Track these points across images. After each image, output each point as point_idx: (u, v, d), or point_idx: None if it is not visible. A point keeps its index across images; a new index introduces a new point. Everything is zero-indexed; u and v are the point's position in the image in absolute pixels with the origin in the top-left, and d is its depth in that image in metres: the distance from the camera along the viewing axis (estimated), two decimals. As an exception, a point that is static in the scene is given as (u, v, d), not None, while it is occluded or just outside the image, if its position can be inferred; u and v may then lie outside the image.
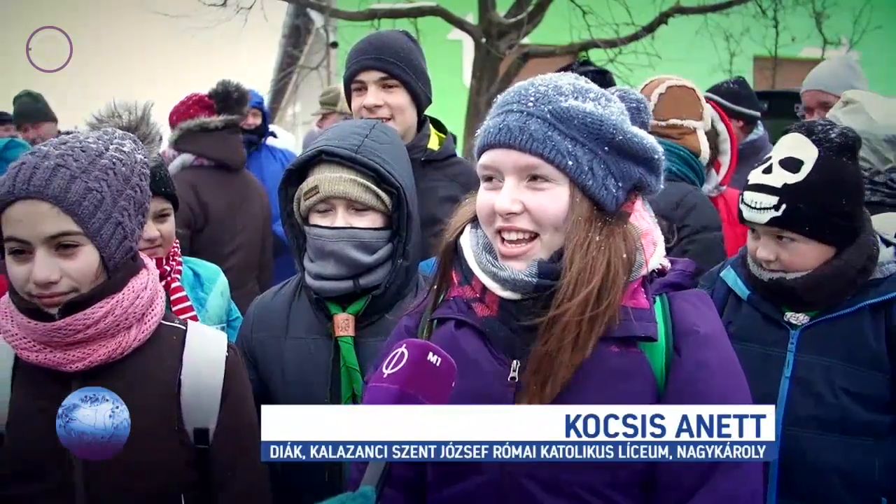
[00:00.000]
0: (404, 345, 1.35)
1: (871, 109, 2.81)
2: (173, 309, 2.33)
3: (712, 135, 3.42)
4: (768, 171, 2.09)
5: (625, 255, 1.43)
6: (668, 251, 1.82)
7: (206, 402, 1.71)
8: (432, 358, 1.33)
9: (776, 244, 2.08)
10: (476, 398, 1.45)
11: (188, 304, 2.39)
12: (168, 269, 2.39)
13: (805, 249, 2.06)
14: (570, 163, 1.42)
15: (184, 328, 1.78)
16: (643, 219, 1.52)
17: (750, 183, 2.11)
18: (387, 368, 1.33)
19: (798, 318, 2.11)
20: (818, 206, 2.02)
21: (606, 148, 1.44)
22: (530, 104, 1.44)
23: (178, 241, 2.51)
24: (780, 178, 2.05)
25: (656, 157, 1.50)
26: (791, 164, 2.05)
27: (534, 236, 1.46)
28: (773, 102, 4.63)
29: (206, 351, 1.75)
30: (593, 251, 1.40)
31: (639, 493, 1.44)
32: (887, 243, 2.14)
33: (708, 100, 3.78)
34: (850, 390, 2.03)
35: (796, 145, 2.09)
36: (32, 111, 5.67)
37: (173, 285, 2.39)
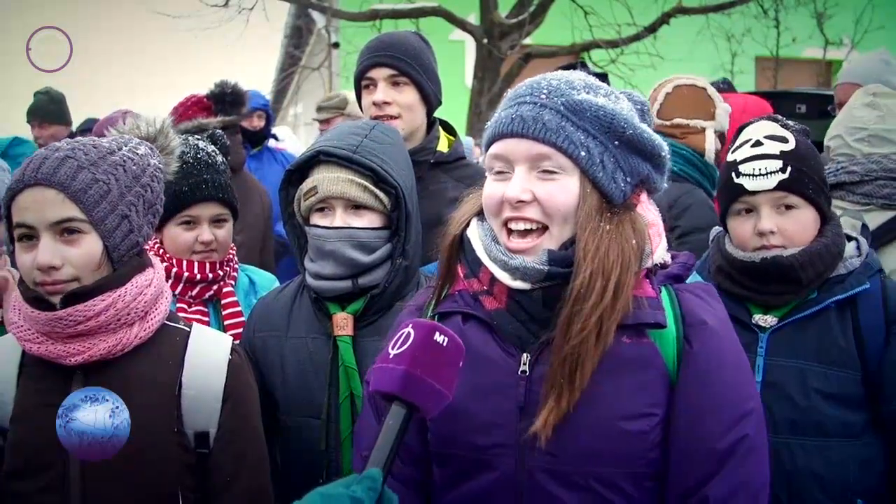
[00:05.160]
0: (410, 324, 1.32)
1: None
2: (223, 313, 2.37)
3: None
4: (757, 144, 2.13)
5: (634, 242, 1.43)
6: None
7: (206, 405, 1.71)
8: (438, 338, 1.30)
9: (778, 214, 2.09)
10: (486, 392, 1.44)
11: (238, 308, 2.40)
12: (221, 273, 2.39)
13: (804, 218, 2.08)
14: (583, 153, 1.42)
15: (188, 329, 1.78)
16: (648, 210, 1.52)
17: (741, 158, 2.12)
18: (392, 349, 1.31)
19: (766, 321, 2.10)
20: (813, 170, 2.10)
21: (617, 142, 1.45)
22: (543, 96, 1.45)
23: (234, 247, 2.50)
24: (774, 147, 2.11)
25: (663, 154, 1.51)
26: (778, 138, 2.13)
27: (543, 229, 1.45)
28: (774, 103, 4.61)
29: (209, 353, 1.75)
30: (605, 238, 1.40)
31: (651, 485, 1.44)
32: (848, 238, 2.17)
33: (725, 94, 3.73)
34: (823, 391, 2.02)
35: (772, 127, 2.18)
36: (42, 110, 5.59)
37: (225, 290, 2.39)
